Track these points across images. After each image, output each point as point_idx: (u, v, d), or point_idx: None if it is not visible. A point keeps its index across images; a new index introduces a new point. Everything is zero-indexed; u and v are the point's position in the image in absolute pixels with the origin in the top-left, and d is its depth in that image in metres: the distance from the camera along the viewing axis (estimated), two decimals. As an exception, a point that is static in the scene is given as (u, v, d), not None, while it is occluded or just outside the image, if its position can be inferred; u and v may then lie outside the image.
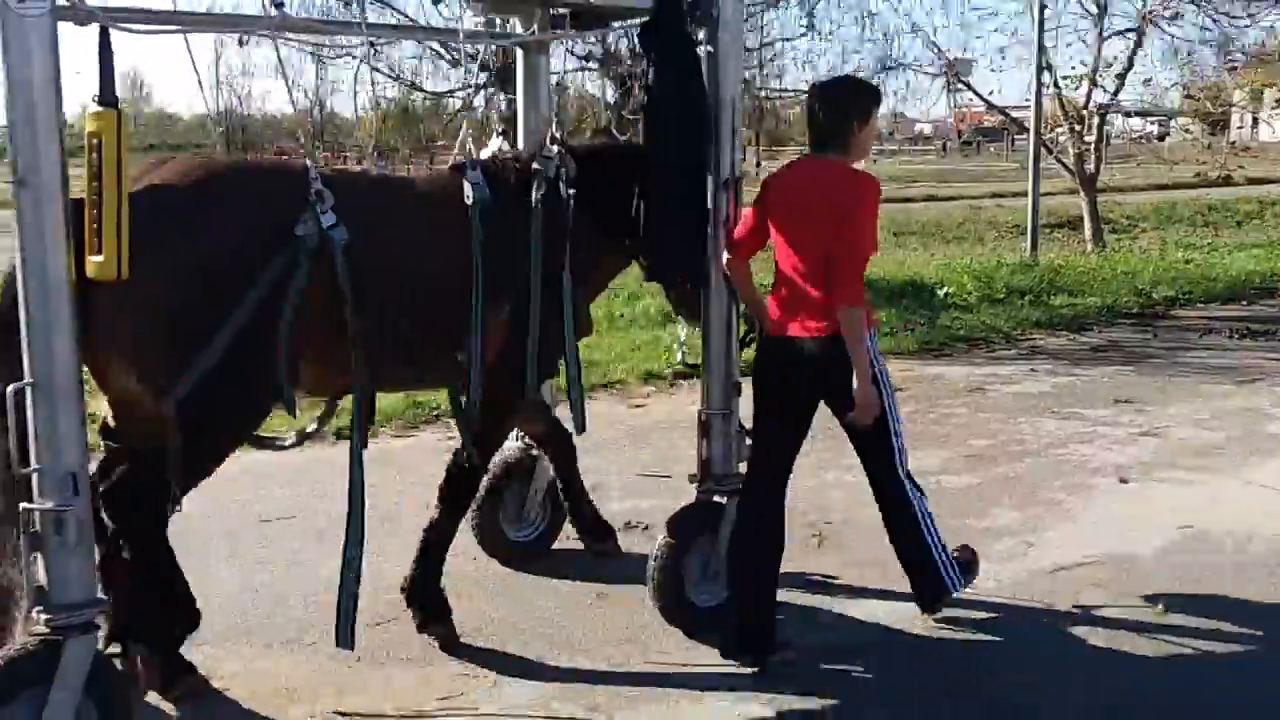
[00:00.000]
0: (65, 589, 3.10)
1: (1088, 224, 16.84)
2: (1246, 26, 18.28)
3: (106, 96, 3.07)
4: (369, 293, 3.55)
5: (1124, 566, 4.84)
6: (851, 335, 3.78)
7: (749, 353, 4.26)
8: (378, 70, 11.37)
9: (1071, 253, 16.38)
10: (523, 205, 3.96)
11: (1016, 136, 64.54)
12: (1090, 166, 16.54)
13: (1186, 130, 23.74)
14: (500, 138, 4.51)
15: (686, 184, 4.06)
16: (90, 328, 3.18)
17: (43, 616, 3.08)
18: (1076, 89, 16.59)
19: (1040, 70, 14.92)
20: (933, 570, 4.15)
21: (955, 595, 4.25)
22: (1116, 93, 16.92)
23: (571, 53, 11.40)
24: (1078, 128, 16.51)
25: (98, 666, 3.16)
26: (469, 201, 3.83)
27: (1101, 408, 7.59)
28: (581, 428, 4.32)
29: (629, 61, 11.10)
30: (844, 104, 3.97)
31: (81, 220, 3.06)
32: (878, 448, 4.09)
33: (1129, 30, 16.00)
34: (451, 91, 12.81)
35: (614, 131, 5.33)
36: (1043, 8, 14.74)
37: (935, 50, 16.17)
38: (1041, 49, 14.88)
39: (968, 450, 6.68)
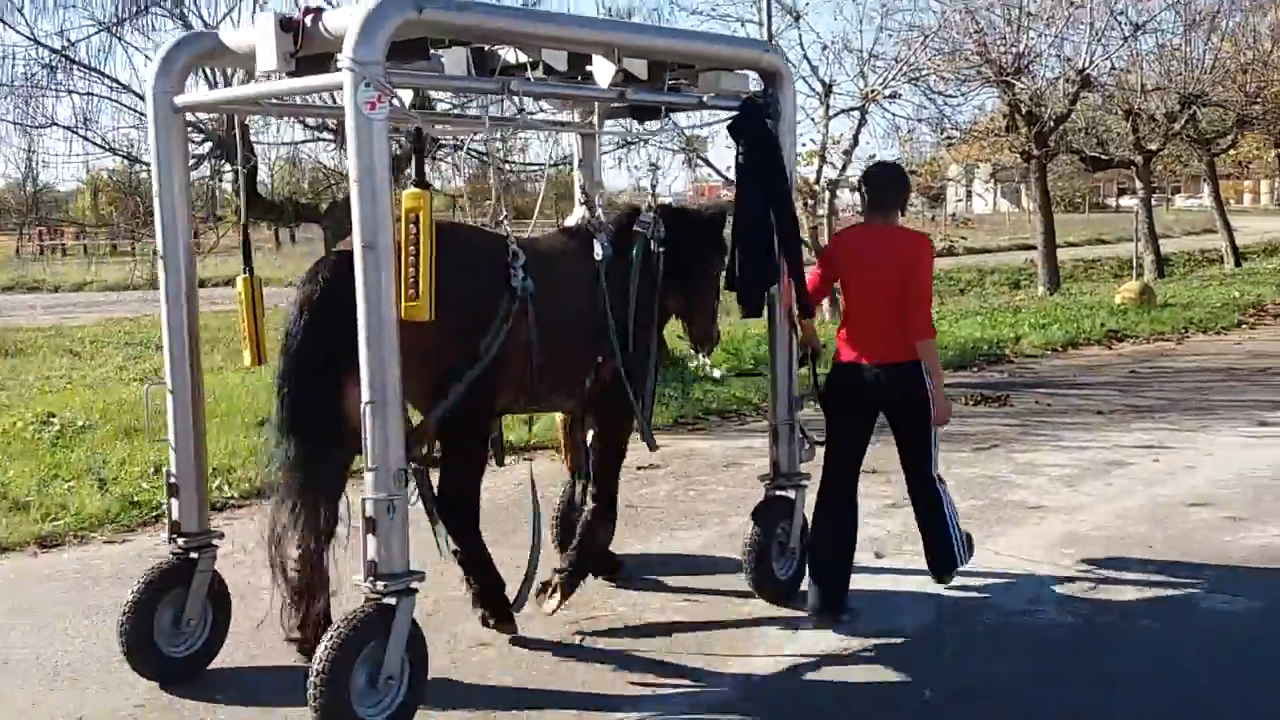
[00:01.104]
0: (392, 562, 3.89)
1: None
2: (959, 105, 19.57)
3: (420, 180, 3.97)
4: (545, 331, 4.54)
5: (891, 648, 4.76)
6: (929, 359, 5.01)
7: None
8: (89, 141, 10.58)
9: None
10: (626, 259, 5.01)
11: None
12: (824, 239, 17.12)
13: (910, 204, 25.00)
14: (583, 206, 5.61)
15: (760, 236, 5.03)
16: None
17: (378, 585, 3.85)
18: (808, 165, 17.17)
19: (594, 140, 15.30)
20: (946, 545, 5.20)
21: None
22: (844, 169, 17.65)
23: (304, 123, 10.96)
24: (810, 202, 17.12)
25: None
26: (598, 258, 4.89)
27: (677, 536, 7.59)
28: (652, 445, 5.40)
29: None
30: (895, 182, 5.31)
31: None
32: (920, 446, 5.16)
33: (853, 109, 16.68)
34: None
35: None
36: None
37: (675, 127, 16.44)
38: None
39: (727, 528, 6.55)
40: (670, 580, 5.69)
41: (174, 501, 4.60)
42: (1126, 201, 72.70)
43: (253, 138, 10.84)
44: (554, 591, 5.06)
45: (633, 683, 4.50)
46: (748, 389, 10.79)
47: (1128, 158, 23.52)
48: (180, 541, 4.56)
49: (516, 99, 4.56)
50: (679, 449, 8.73)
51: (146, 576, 4.51)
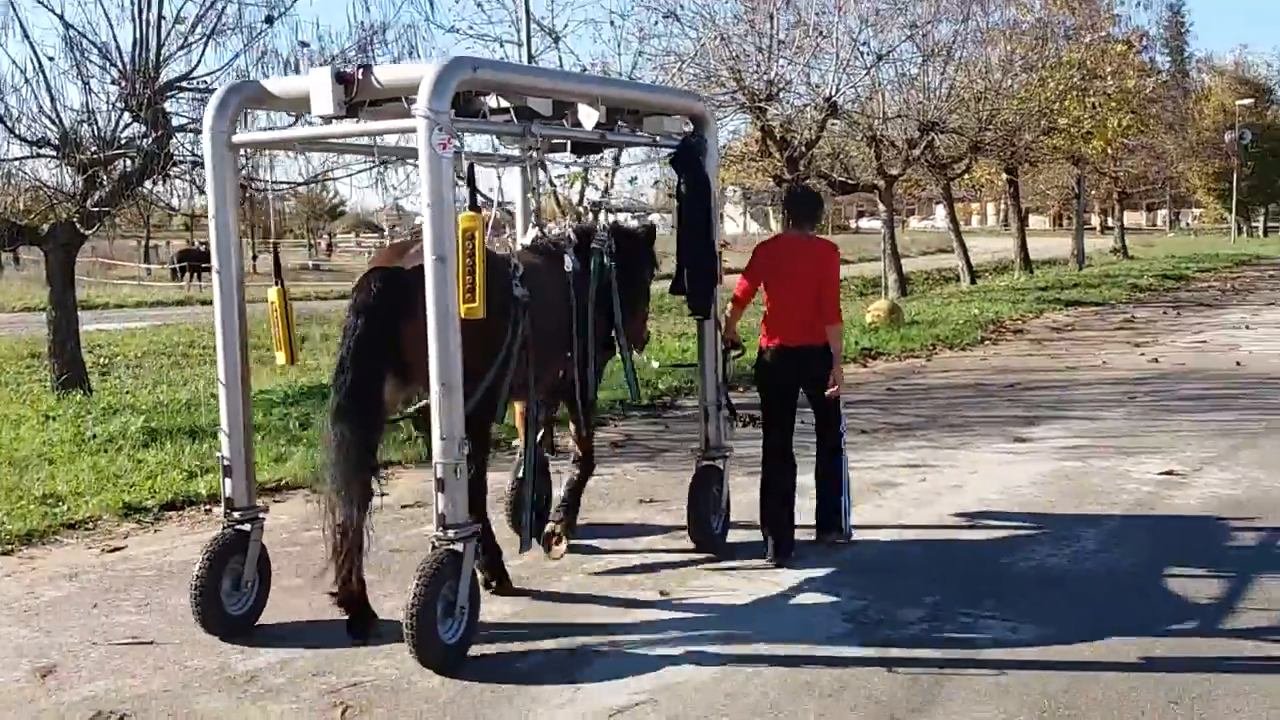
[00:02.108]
0: (457, 514, 4.79)
1: (591, 315, 17.18)
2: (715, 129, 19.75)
3: (473, 206, 5.02)
4: (538, 334, 5.42)
5: (677, 700, 4.48)
6: (836, 342, 6.21)
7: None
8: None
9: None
10: (587, 270, 5.93)
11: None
12: (590, 259, 16.94)
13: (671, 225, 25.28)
14: (535, 227, 6.38)
15: (705, 254, 6.27)
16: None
17: (448, 533, 4.76)
18: (570, 187, 16.99)
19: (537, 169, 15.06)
20: (832, 510, 6.37)
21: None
22: (607, 190, 17.59)
23: (21, 139, 10.00)
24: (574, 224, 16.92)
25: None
26: (568, 269, 5.78)
27: (630, 510, 7.40)
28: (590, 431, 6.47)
29: (93, 149, 9.90)
30: (813, 203, 6.69)
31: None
32: (831, 416, 6.33)
33: (614, 131, 16.57)
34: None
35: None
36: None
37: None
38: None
39: (509, 570, 6.15)
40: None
41: (228, 481, 5.42)
42: (867, 223, 76.28)
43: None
44: (558, 540, 6.17)
45: (629, 613, 5.45)
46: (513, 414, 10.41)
47: (871, 182, 24.42)
48: (235, 515, 5.40)
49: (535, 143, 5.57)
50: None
51: (209, 548, 5.29)
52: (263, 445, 8.98)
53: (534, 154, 5.76)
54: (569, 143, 6.18)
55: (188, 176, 11.37)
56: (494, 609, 5.53)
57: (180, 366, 15.96)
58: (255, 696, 4.60)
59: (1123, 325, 19.20)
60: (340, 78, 4.98)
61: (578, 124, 5.77)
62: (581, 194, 16.86)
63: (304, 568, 6.22)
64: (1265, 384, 12.11)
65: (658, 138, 6.32)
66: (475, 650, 4.96)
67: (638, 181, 21.14)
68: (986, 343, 16.55)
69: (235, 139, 5.39)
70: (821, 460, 6.40)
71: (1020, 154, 28.32)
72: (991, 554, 6.26)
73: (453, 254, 4.72)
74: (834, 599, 5.60)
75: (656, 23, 17.58)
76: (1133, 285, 27.62)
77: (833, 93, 19.60)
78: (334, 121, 5.18)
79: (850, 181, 24.99)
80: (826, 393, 6.20)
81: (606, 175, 16.76)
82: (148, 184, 10.83)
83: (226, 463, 5.41)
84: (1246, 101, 52.39)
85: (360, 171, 11.65)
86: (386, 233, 77.32)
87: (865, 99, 22.13)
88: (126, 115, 10.49)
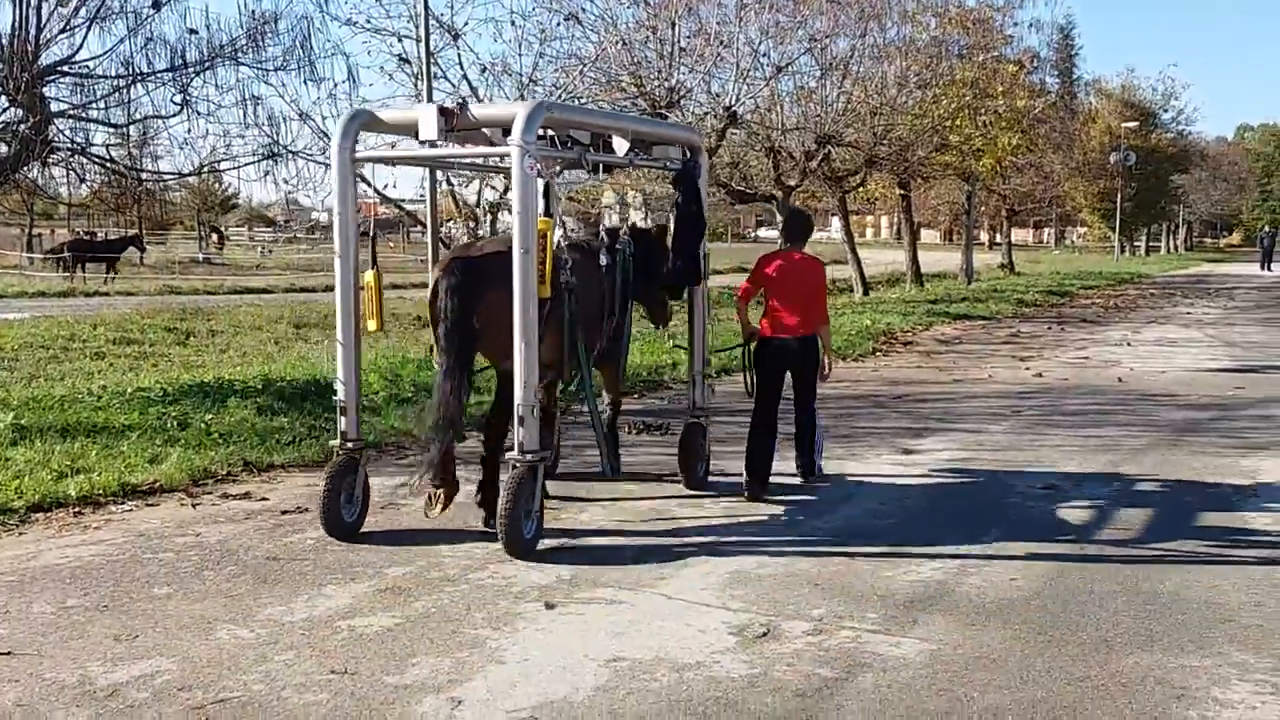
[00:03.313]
0: (532, 442, 6.38)
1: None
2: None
3: (548, 212, 6.86)
4: (579, 312, 7.01)
5: (562, 718, 4.38)
6: (826, 336, 8.13)
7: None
8: None
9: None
10: (615, 263, 7.54)
11: (412, 229, 66.30)
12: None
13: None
14: (560, 229, 7.20)
15: (695, 250, 7.83)
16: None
17: (526, 456, 6.35)
18: (467, 186, 16.81)
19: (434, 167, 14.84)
20: (810, 457, 8.26)
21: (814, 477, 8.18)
22: (505, 191, 17.43)
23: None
24: (472, 224, 16.75)
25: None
26: (603, 263, 7.40)
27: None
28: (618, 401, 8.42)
29: None
30: (807, 225, 8.55)
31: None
32: (809, 390, 8.11)
33: (515, 132, 16.43)
34: None
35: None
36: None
37: (325, 139, 15.55)
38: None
39: (383, 582, 5.99)
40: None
41: (343, 418, 6.96)
42: (764, 233, 77.02)
43: None
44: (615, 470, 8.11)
45: (511, 625, 5.24)
46: (407, 419, 10.21)
47: (769, 192, 24.59)
48: (349, 445, 6.92)
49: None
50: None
51: (331, 469, 6.85)
52: (136, 444, 8.68)
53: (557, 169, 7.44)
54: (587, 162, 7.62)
55: (69, 164, 10.95)
56: (373, 621, 5.38)
57: (59, 360, 15.38)
58: (115, 713, 4.38)
59: (1009, 340, 19.60)
60: (443, 111, 6.56)
61: (610, 149, 7.54)
62: (479, 194, 16.72)
63: (174, 575, 6.01)
64: (1145, 400, 12.44)
65: (667, 162, 7.98)
66: (353, 664, 4.82)
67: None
68: (878, 354, 16.76)
69: (357, 156, 6.91)
70: (800, 423, 8.20)
71: (913, 169, 28.78)
72: (877, 567, 6.27)
73: (535, 248, 6.29)
74: (722, 610, 5.55)
75: (558, 24, 17.46)
76: (1019, 300, 28.25)
77: (733, 102, 19.66)
78: (436, 145, 6.80)
79: (748, 191, 25.13)
80: (819, 375, 8.12)
81: (506, 178, 16.68)
82: (25, 171, 10.38)
83: (342, 404, 6.97)
84: (1132, 124, 54.00)
85: (248, 164, 11.34)
86: (281, 226, 75.68)
87: (765, 110, 22.28)
88: (3, 99, 10.05)
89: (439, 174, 16.33)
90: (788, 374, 8.03)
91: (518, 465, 6.33)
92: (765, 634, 5.24)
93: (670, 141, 8.09)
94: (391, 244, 54.29)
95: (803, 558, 6.44)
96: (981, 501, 7.79)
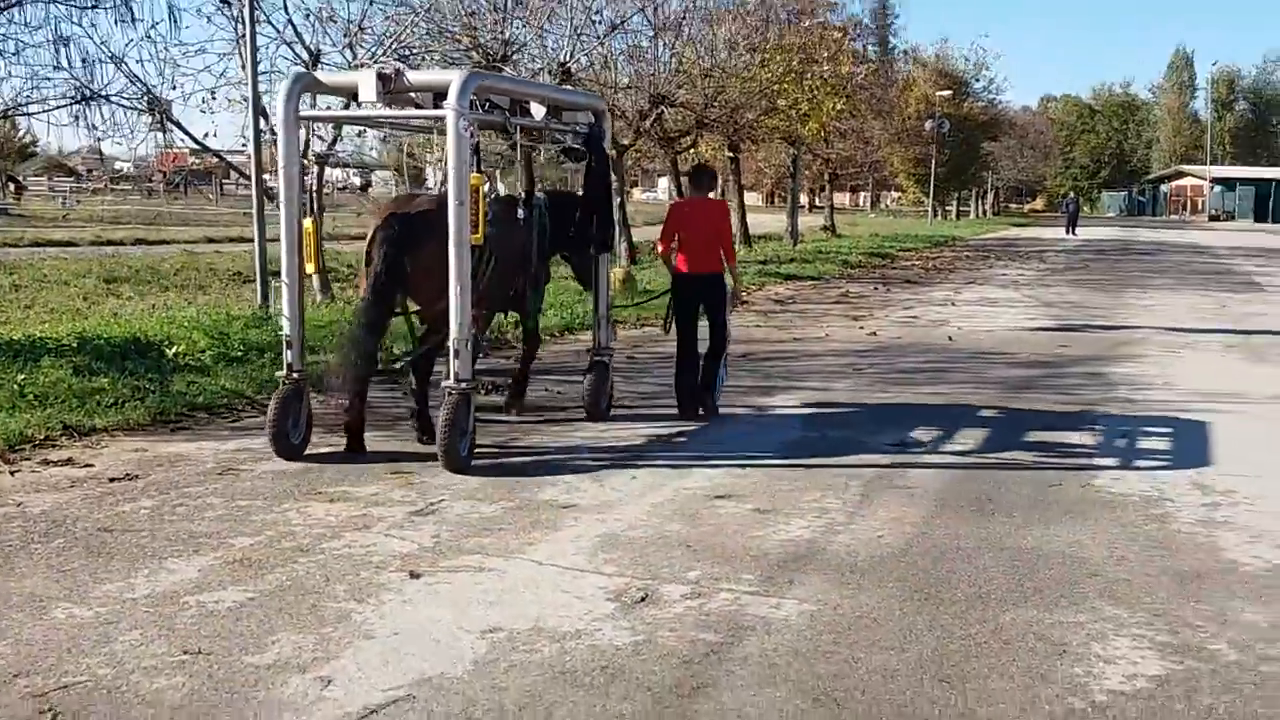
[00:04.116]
0: (465, 371, 7.18)
1: (315, 278, 16.40)
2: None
3: (478, 170, 7.32)
4: (496, 261, 7.65)
5: (442, 694, 4.13)
6: (735, 273, 9.27)
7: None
8: None
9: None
10: (530, 219, 8.39)
11: (224, 181, 63.66)
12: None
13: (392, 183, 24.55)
14: (501, 184, 9.39)
15: (605, 207, 8.87)
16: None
17: (459, 384, 7.16)
18: (289, 138, 16.11)
19: (257, 116, 14.12)
20: (713, 396, 9.12)
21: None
22: (334, 143, 16.76)
23: None
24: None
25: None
26: (519, 218, 8.16)
27: (370, 483, 6.93)
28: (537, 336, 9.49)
29: None
30: (711, 176, 9.90)
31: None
32: (720, 325, 9.12)
33: (343, 82, 15.80)
34: None
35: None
36: (254, 50, 13.94)
37: (140, 85, 14.57)
38: (257, 94, 14.07)
39: (230, 554, 5.59)
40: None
41: (288, 351, 7.53)
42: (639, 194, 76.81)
43: None
44: (517, 410, 9.00)
45: (377, 597, 4.40)
46: (239, 379, 9.69)
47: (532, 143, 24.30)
48: (294, 375, 7.50)
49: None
50: (160, 454, 7.55)
51: (278, 396, 7.44)
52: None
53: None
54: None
55: None
56: (224, 596, 5.01)
57: None
58: (-62, 708, 3.93)
59: (840, 300, 19.97)
60: (381, 76, 7.16)
61: (527, 114, 8.21)
62: (306, 145, 16.00)
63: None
64: (977, 359, 12.78)
65: (576, 126, 8.69)
66: (207, 644, 4.46)
67: (365, 136, 20.36)
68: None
69: (300, 115, 7.59)
70: (708, 357, 9.07)
71: (743, 132, 28.98)
72: (745, 526, 6.18)
73: (468, 201, 6.99)
74: (597, 575, 5.37)
75: (389, -31, 16.78)
76: (844, 262, 28.91)
77: (566, 58, 19.36)
78: (373, 106, 7.44)
79: (580, 149, 24.85)
80: (732, 305, 9.34)
81: (335, 129, 16.02)
82: None
83: (288, 338, 7.52)
84: (945, 93, 55.74)
85: (59, 107, 10.53)
86: (84, 177, 71.69)
87: (599, 68, 22.04)
88: None
89: (263, 122, 15.67)
90: (700, 308, 9.06)
91: (453, 392, 7.08)
92: (644, 599, 5.09)
93: (579, 108, 8.91)
94: (206, 194, 51.88)
95: (671, 520, 6.30)
96: (838, 459, 7.79)
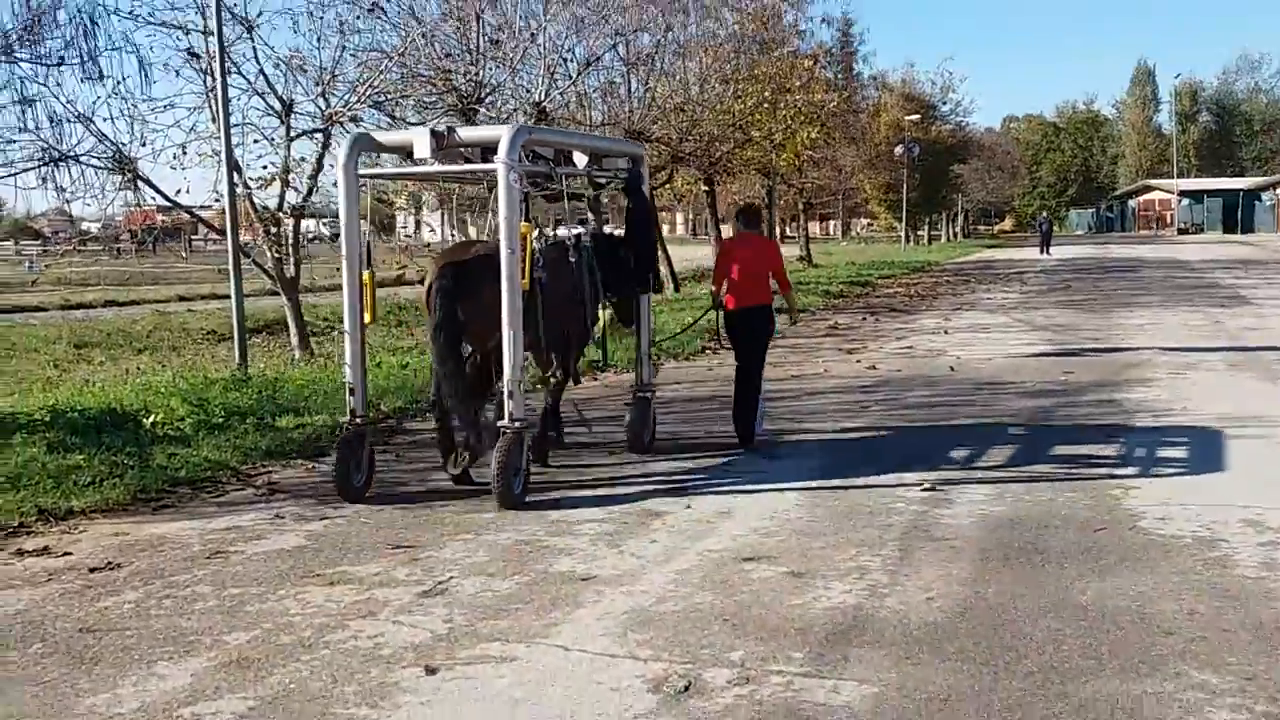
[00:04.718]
0: (519, 412, 7.51)
1: (293, 330, 15.95)
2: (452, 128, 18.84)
3: (527, 218, 7.68)
4: (549, 301, 8.05)
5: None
6: (793, 302, 10.43)
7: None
8: None
9: (279, 361, 15.35)
10: (581, 259, 8.78)
11: (193, 237, 62.91)
12: (290, 269, 15.72)
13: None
14: (537, 228, 8.63)
15: (649, 246, 9.37)
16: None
17: (514, 423, 7.45)
18: (266, 189, 15.67)
19: (231, 170, 13.69)
20: (753, 428, 9.45)
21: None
22: (309, 194, 16.33)
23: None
24: (274, 230, 15.61)
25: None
26: (571, 260, 8.63)
27: (371, 560, 6.45)
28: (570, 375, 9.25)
29: None
30: (759, 214, 10.56)
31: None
32: (758, 360, 9.59)
33: (315, 131, 15.44)
34: None
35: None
36: (226, 103, 13.51)
37: (110, 144, 14.07)
38: (230, 147, 13.64)
39: (225, 653, 5.09)
40: None
41: (351, 398, 8.00)
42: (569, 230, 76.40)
43: None
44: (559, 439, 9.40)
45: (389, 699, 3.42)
46: (221, 449, 9.17)
47: (579, 190, 24.01)
48: (356, 421, 7.98)
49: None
50: (142, 537, 7.04)
51: (342, 440, 7.99)
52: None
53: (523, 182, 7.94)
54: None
55: None
56: (222, 708, 4.51)
57: None
58: None
59: (829, 332, 19.59)
60: (434, 134, 7.69)
61: (571, 163, 8.65)
62: (281, 197, 15.59)
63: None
64: (984, 390, 12.39)
65: (617, 172, 9.24)
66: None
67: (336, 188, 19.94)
68: (708, 351, 16.36)
69: (361, 172, 8.17)
70: (745, 393, 9.44)
71: (719, 164, 28.70)
72: (782, 593, 5.72)
73: (519, 249, 7.39)
74: (632, 661, 4.90)
75: (359, 16, 16.41)
76: (825, 292, 28.57)
77: (541, 98, 19.02)
78: (429, 163, 7.91)
79: (559, 189, 24.50)
80: (765, 340, 9.62)
81: (310, 179, 15.61)
82: None
83: (351, 385, 7.98)
84: (914, 117, 55.82)
85: (26, 170, 10.07)
86: (50, 239, 70.95)
87: (574, 106, 21.73)
88: None
89: (236, 176, 15.19)
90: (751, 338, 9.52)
91: (508, 431, 7.39)
92: (687, 688, 4.61)
93: (618, 154, 9.44)
94: (175, 252, 51.18)
95: (701, 589, 5.84)
96: (865, 511, 7.35)
